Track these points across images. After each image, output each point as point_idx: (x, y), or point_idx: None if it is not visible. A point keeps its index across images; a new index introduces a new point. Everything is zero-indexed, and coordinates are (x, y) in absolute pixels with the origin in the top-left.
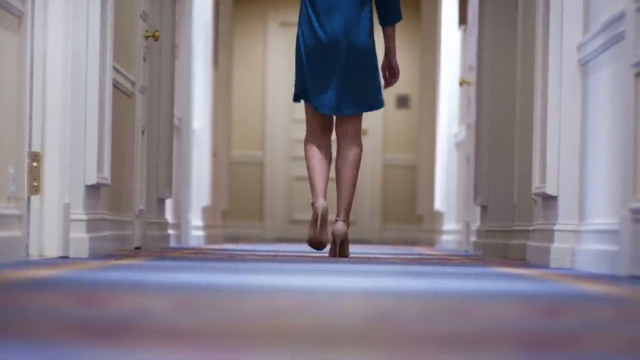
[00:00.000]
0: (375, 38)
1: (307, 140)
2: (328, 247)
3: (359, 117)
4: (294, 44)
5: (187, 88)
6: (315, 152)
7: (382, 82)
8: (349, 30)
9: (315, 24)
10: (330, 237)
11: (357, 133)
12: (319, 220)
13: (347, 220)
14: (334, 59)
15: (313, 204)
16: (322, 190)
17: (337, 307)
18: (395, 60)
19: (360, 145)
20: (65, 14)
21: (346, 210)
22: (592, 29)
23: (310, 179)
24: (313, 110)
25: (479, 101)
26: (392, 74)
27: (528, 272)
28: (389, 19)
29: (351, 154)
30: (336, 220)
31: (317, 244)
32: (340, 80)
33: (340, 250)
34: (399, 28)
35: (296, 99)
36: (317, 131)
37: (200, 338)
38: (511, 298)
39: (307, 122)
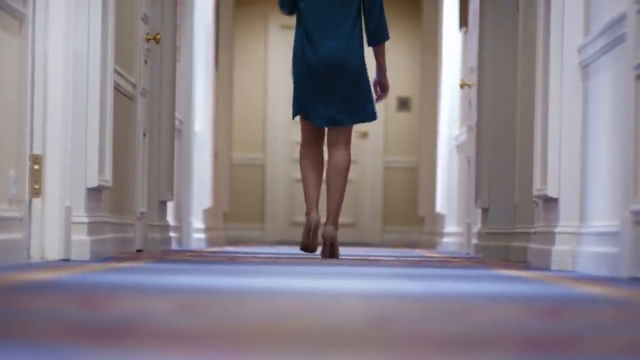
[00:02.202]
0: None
1: (303, 151)
2: (319, 250)
3: (349, 127)
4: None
5: (188, 90)
6: (309, 163)
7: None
8: (342, 52)
9: (309, 47)
10: (320, 240)
11: (347, 141)
12: (312, 231)
13: (335, 224)
14: (328, 79)
15: (307, 214)
16: (315, 202)
17: (337, 309)
18: (386, 78)
19: (349, 153)
20: (67, 17)
21: (335, 215)
22: (593, 31)
23: (305, 189)
24: (308, 124)
25: (479, 103)
26: (382, 89)
27: (529, 275)
28: (376, 40)
29: (341, 162)
30: (325, 224)
31: (308, 249)
32: (334, 96)
33: (330, 251)
34: (400, 30)
35: (295, 115)
36: (312, 142)
37: (201, 340)
38: (512, 300)
39: (302, 134)
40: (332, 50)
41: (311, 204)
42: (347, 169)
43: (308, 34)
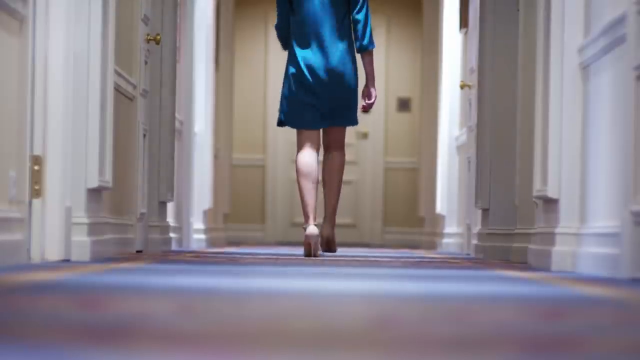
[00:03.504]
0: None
1: (299, 157)
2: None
3: (343, 130)
4: None
5: (188, 91)
6: (305, 169)
7: (361, 104)
8: (333, 62)
9: (301, 58)
10: (321, 249)
11: (342, 142)
12: (312, 247)
13: (332, 222)
14: (320, 88)
15: (305, 228)
16: (313, 215)
17: (338, 310)
18: (374, 88)
19: (343, 153)
20: (67, 18)
21: (331, 213)
22: (593, 32)
23: (302, 201)
24: (301, 130)
25: (480, 104)
26: (368, 99)
27: (529, 275)
28: (362, 48)
29: (337, 162)
30: (323, 223)
31: (311, 256)
32: (326, 102)
33: (328, 246)
34: (401, 31)
35: (280, 124)
36: (306, 148)
37: (201, 341)
38: (513, 301)
39: (298, 141)
40: (322, 59)
41: (308, 216)
42: (342, 168)
43: (301, 47)
